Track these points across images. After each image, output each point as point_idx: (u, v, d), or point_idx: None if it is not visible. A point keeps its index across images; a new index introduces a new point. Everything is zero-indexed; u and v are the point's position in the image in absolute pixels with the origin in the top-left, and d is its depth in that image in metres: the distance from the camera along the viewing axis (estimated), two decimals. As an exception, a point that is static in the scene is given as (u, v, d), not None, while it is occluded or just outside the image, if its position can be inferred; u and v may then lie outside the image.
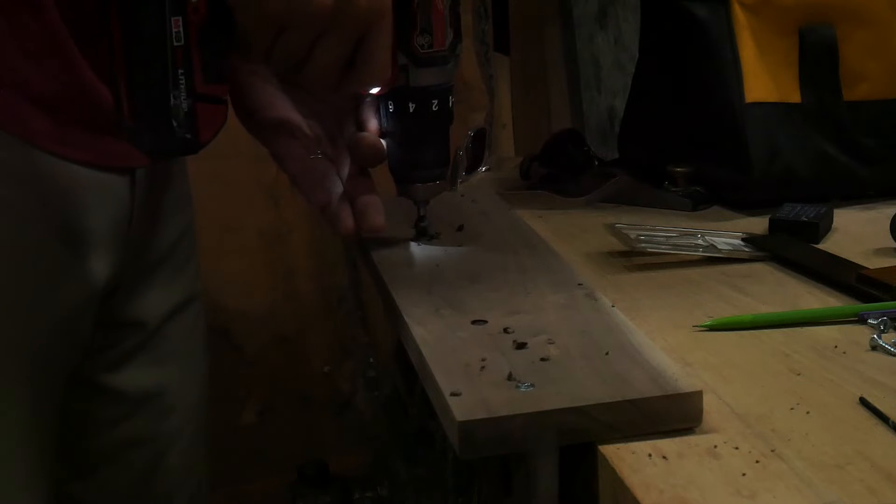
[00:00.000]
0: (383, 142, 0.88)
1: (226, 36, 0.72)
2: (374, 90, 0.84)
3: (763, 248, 0.96)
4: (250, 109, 0.88)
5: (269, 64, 0.77)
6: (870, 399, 0.66)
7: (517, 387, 0.63)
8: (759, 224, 1.05)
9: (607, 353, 0.68)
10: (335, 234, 0.88)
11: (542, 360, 0.67)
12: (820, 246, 0.98)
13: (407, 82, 0.84)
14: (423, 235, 0.94)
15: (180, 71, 0.70)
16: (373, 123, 0.89)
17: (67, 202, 0.78)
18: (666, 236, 1.00)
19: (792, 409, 0.65)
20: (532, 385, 0.63)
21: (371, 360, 1.87)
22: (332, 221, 0.88)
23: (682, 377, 0.64)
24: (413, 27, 0.82)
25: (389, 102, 0.87)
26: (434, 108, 0.86)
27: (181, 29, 0.70)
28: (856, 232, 0.98)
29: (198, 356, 1.01)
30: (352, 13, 0.72)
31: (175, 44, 0.70)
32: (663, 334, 0.76)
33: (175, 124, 0.71)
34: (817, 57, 1.13)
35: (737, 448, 0.60)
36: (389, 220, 1.02)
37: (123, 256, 0.85)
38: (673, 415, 0.62)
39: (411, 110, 0.86)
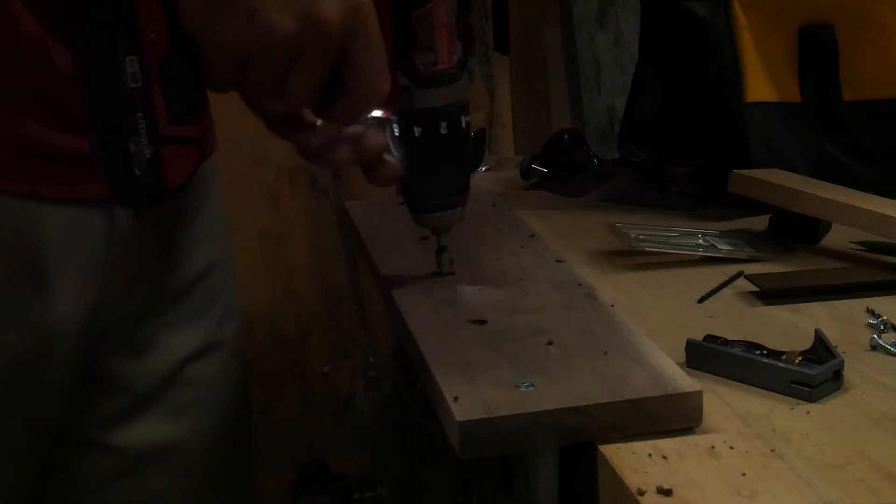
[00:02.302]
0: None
1: (191, 72, 0.65)
2: (377, 113, 0.76)
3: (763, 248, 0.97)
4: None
5: (242, 96, 0.72)
6: (870, 398, 0.66)
7: (517, 387, 0.63)
8: (759, 224, 1.05)
9: (607, 353, 0.68)
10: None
11: (543, 360, 0.67)
12: (820, 245, 0.99)
13: (411, 104, 0.75)
14: (442, 268, 0.85)
15: (140, 114, 0.64)
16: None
17: (21, 237, 0.73)
18: (666, 236, 1.00)
19: (792, 409, 0.65)
20: (532, 385, 0.63)
21: (371, 360, 1.87)
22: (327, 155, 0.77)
23: (682, 377, 0.64)
24: (412, 44, 0.73)
25: (394, 126, 0.78)
26: (443, 131, 0.77)
27: (137, 68, 0.63)
28: (855, 231, 0.98)
29: (226, 408, 0.91)
30: (321, 35, 0.64)
31: (132, 85, 0.63)
32: (663, 334, 0.76)
33: (137, 172, 0.64)
34: (817, 57, 1.13)
35: (737, 448, 0.60)
36: (388, 220, 1.02)
37: (106, 296, 0.79)
38: (673, 415, 0.62)
39: (417, 134, 0.77)
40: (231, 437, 0.92)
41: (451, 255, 0.85)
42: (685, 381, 0.63)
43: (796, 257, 0.96)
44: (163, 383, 0.85)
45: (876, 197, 0.97)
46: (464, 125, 0.79)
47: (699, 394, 0.62)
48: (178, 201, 0.83)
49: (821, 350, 0.69)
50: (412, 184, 0.80)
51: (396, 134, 0.78)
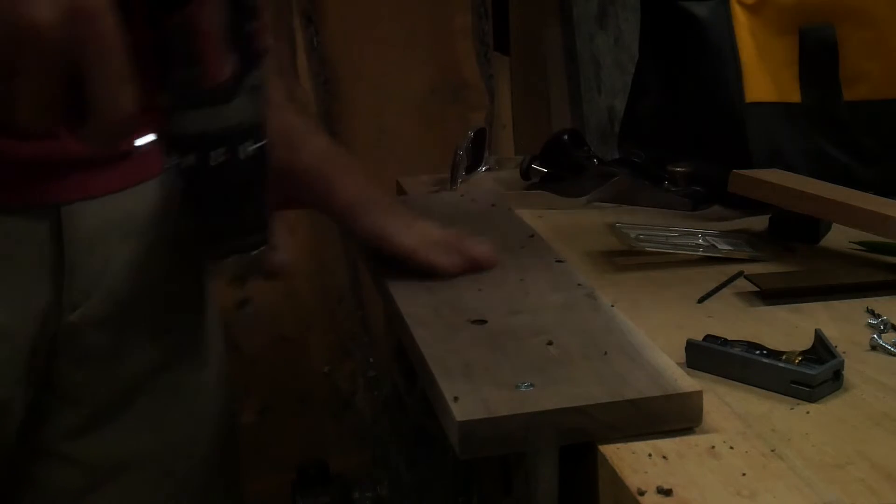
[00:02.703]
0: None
1: None
2: (148, 138, 0.64)
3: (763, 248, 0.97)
4: None
5: None
6: (870, 398, 0.66)
7: (517, 387, 0.63)
8: (759, 224, 1.05)
9: (607, 353, 0.68)
10: None
11: (543, 360, 0.67)
12: (820, 245, 0.99)
13: (179, 128, 0.63)
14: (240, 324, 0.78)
15: None
16: None
17: None
18: (666, 236, 1.00)
19: (792, 409, 0.65)
20: (532, 385, 0.63)
21: (371, 360, 1.87)
22: None
23: (682, 377, 0.64)
24: (170, 56, 0.61)
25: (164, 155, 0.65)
26: (215, 161, 0.63)
27: None
28: (855, 232, 0.98)
29: (201, 416, 0.89)
30: (32, 44, 0.52)
31: None
32: (663, 334, 0.76)
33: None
34: (817, 57, 1.13)
35: (737, 448, 0.60)
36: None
37: (57, 302, 0.76)
38: (673, 415, 0.62)
39: (186, 165, 0.63)
40: (210, 445, 0.90)
41: (251, 309, 0.83)
42: (685, 381, 0.63)
43: (796, 257, 0.96)
44: (125, 393, 0.83)
45: (876, 197, 0.97)
46: (247, 153, 0.64)
47: (699, 394, 0.62)
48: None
49: (821, 350, 0.69)
50: (191, 222, 0.67)
51: (165, 165, 0.65)
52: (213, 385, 0.91)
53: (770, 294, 0.85)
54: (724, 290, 0.88)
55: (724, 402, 0.66)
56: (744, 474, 0.57)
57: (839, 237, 0.99)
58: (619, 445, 0.61)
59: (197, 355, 0.89)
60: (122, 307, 0.81)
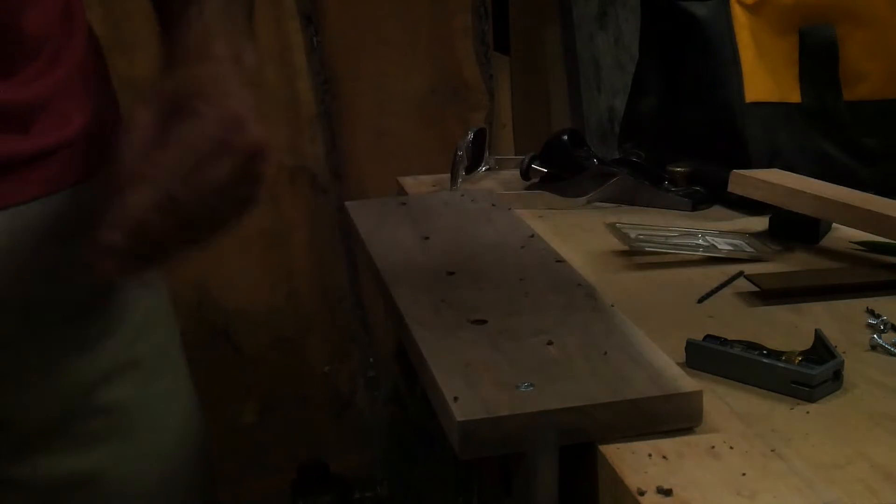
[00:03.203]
0: None
1: None
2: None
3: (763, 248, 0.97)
4: None
5: None
6: (870, 398, 0.66)
7: (517, 387, 0.63)
8: (759, 224, 1.05)
9: (607, 353, 0.68)
10: None
11: (543, 360, 0.67)
12: (820, 245, 0.99)
13: None
14: None
15: None
16: None
17: None
18: (666, 236, 1.00)
19: (792, 409, 0.65)
20: (532, 385, 0.63)
21: (371, 360, 1.87)
22: None
23: (682, 377, 0.64)
24: None
25: None
26: None
27: None
28: (855, 231, 0.98)
29: (161, 428, 0.85)
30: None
31: None
32: (663, 334, 0.76)
33: None
34: (817, 57, 1.13)
35: (737, 448, 0.60)
36: (388, 220, 1.02)
37: None
38: (673, 415, 0.62)
39: None
40: (175, 457, 0.87)
41: None
42: (685, 381, 0.63)
43: (796, 257, 0.96)
44: (68, 411, 0.79)
45: (876, 197, 0.97)
46: None
47: (699, 394, 0.62)
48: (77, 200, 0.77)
49: (821, 350, 0.69)
50: None
51: None
52: (169, 393, 0.87)
53: (770, 294, 0.85)
54: (724, 290, 0.88)
55: (724, 402, 0.66)
56: (744, 474, 0.57)
57: (839, 237, 1.00)
58: (619, 445, 0.61)
59: (144, 364, 0.84)
60: (34, 322, 0.77)
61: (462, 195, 1.12)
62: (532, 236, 0.97)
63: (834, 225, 1.01)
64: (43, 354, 0.78)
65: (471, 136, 1.25)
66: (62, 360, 0.79)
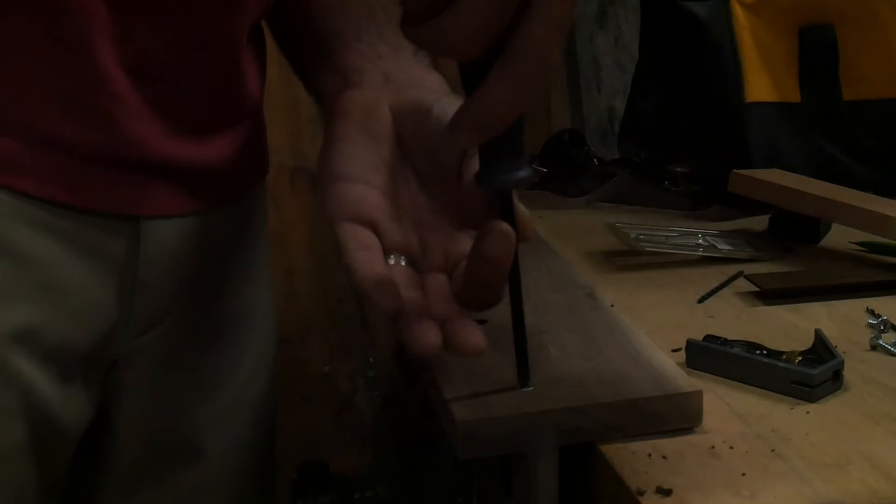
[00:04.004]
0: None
1: None
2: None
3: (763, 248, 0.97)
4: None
5: None
6: (870, 398, 0.66)
7: (517, 387, 0.63)
8: (759, 224, 1.05)
9: (607, 354, 0.68)
10: (412, 350, 0.59)
11: (542, 360, 0.67)
12: (820, 245, 0.99)
13: None
14: None
15: None
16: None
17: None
18: (666, 236, 1.00)
19: (792, 409, 0.65)
20: (532, 385, 0.63)
21: (371, 360, 1.87)
22: (406, 335, 0.59)
23: (682, 377, 0.64)
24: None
25: None
26: None
27: None
28: (855, 231, 0.98)
29: (244, 488, 0.85)
30: None
31: None
32: (663, 334, 0.76)
33: None
34: (817, 57, 1.13)
35: (737, 448, 0.60)
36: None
37: (120, 311, 0.71)
38: (673, 415, 0.62)
39: None
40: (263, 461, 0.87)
41: None
42: (685, 381, 0.63)
43: (796, 257, 0.96)
44: (184, 441, 0.79)
45: (876, 197, 0.97)
46: None
47: (699, 394, 0.62)
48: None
49: (821, 350, 0.69)
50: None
51: None
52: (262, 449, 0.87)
53: (770, 294, 0.85)
54: (724, 290, 0.88)
55: (724, 402, 0.66)
56: (744, 474, 0.57)
57: (839, 237, 0.99)
58: (619, 445, 0.60)
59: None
60: (190, 338, 0.77)
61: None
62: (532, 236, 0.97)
63: (834, 225, 1.01)
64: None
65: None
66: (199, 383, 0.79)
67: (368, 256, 0.61)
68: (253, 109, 0.78)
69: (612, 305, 0.78)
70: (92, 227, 0.67)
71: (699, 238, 0.99)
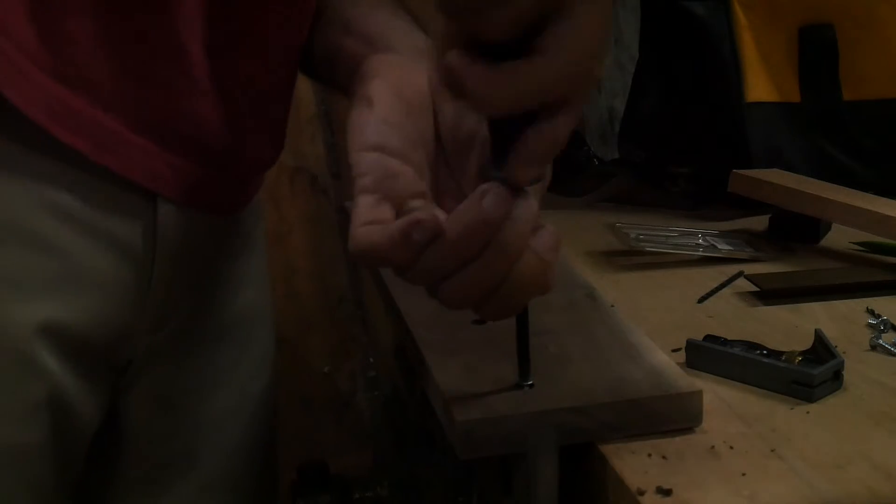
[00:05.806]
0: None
1: None
2: None
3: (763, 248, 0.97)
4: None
5: None
6: (870, 398, 0.66)
7: (517, 387, 0.63)
8: (759, 224, 1.05)
9: (607, 353, 0.68)
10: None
11: (543, 360, 0.67)
12: (820, 245, 0.99)
13: None
14: None
15: None
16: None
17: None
18: (666, 236, 1.00)
19: (792, 409, 0.65)
20: (532, 385, 0.63)
21: (371, 360, 1.87)
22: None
23: (682, 377, 0.64)
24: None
25: None
26: None
27: None
28: (855, 231, 0.98)
29: (248, 478, 0.85)
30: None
31: None
32: (663, 334, 0.76)
33: None
34: (817, 57, 1.13)
35: (737, 448, 0.60)
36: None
37: (138, 304, 0.70)
38: (673, 415, 0.62)
39: None
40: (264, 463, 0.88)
41: None
42: (685, 381, 0.63)
43: (796, 257, 0.96)
44: (197, 441, 0.79)
45: (876, 197, 0.97)
46: None
47: (699, 394, 0.62)
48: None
49: (821, 350, 0.69)
50: None
51: None
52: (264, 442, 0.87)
53: (770, 294, 0.85)
54: (724, 290, 0.88)
55: (724, 402, 0.66)
56: (744, 474, 0.57)
57: (839, 237, 0.99)
58: (619, 445, 0.60)
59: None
60: (194, 339, 0.77)
61: (462, 195, 1.12)
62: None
63: (834, 225, 1.01)
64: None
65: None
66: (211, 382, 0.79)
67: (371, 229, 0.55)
68: (285, 119, 0.79)
69: (613, 305, 0.78)
70: (110, 210, 0.66)
71: (699, 238, 0.99)
